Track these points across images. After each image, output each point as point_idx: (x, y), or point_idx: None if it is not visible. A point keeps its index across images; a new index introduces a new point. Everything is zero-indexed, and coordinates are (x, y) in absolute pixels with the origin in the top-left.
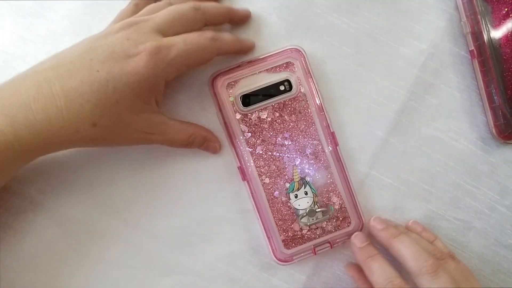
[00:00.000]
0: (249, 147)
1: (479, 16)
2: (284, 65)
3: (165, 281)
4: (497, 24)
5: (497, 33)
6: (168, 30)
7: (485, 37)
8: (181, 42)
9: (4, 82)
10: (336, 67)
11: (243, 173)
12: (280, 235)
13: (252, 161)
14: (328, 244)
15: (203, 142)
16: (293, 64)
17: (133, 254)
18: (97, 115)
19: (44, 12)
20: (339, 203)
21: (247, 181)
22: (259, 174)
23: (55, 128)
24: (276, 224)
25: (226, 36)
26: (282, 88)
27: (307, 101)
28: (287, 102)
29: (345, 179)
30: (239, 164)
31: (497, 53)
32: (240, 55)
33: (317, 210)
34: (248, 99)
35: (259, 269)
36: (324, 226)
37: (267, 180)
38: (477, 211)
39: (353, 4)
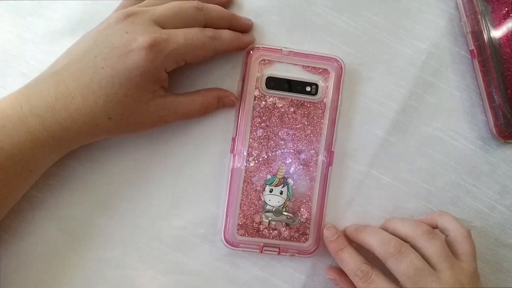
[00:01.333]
0: (251, 125)
1: (479, 16)
2: (321, 70)
3: (165, 281)
4: (497, 23)
5: (497, 33)
6: (166, 23)
7: (485, 36)
8: (181, 36)
9: (30, 82)
10: None
11: (233, 146)
12: (238, 219)
13: (248, 138)
14: (277, 250)
15: (218, 103)
16: (329, 73)
17: (132, 254)
18: (110, 109)
19: (43, 11)
20: (306, 218)
21: (234, 155)
22: (248, 154)
23: (78, 124)
24: (240, 207)
25: (225, 35)
26: (308, 89)
27: (324, 111)
28: (306, 104)
29: (322, 199)
30: (234, 135)
31: (497, 53)
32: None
33: (284, 212)
34: (272, 83)
35: (259, 268)
36: (282, 231)
37: (252, 164)
38: (477, 211)
39: (353, 3)
